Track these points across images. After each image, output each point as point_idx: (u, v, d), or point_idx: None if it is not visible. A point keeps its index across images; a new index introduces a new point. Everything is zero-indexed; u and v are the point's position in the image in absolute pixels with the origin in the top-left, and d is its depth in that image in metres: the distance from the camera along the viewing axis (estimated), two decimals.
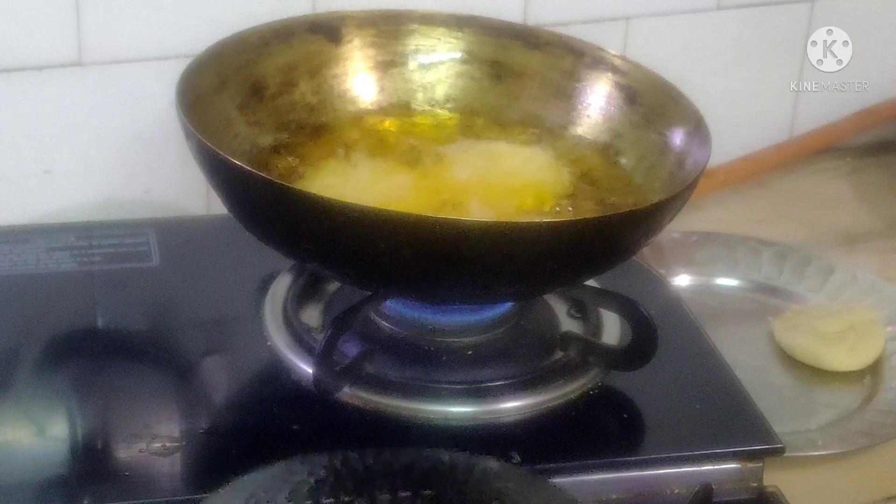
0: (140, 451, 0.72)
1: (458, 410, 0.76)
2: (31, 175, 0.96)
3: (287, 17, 0.89)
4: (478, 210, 0.79)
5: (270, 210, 0.73)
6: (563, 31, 0.92)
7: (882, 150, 1.19)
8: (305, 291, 0.84)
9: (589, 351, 0.79)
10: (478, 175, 0.82)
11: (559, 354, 0.80)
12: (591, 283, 0.82)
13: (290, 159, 0.86)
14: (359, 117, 0.90)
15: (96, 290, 0.85)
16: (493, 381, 0.77)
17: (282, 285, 0.84)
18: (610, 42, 0.93)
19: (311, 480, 0.65)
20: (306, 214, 0.71)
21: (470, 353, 0.80)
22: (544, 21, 1.02)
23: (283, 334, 0.80)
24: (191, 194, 0.99)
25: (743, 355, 0.87)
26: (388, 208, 0.71)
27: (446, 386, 0.77)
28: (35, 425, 0.74)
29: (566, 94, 0.89)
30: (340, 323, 0.75)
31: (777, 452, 0.76)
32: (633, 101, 0.87)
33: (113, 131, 0.97)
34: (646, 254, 0.89)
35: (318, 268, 0.78)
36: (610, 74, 0.88)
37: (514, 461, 0.73)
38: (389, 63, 0.91)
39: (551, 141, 0.88)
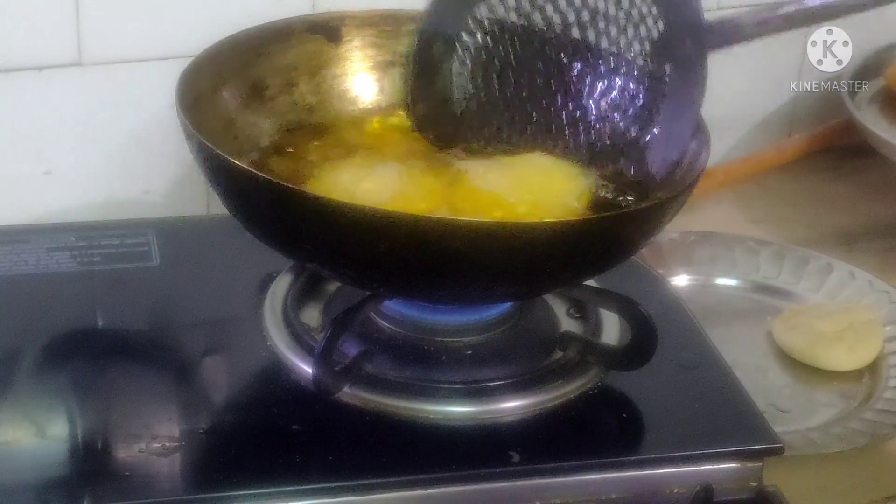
0: (140, 451, 0.72)
1: (458, 410, 0.76)
2: (31, 175, 0.96)
3: (287, 17, 0.89)
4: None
5: (270, 211, 0.73)
6: None
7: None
8: (305, 291, 0.84)
9: (588, 351, 0.79)
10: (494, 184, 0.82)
11: (559, 354, 0.80)
12: (590, 283, 0.83)
13: (289, 160, 0.86)
14: (359, 117, 0.90)
15: (96, 290, 0.85)
16: (492, 380, 0.77)
17: (282, 285, 0.84)
18: None
19: None
20: (306, 214, 0.71)
21: (469, 352, 0.80)
22: None
23: (283, 334, 0.80)
24: (191, 194, 0.99)
25: (742, 355, 0.87)
26: (389, 208, 0.71)
27: (446, 386, 0.77)
28: (35, 425, 0.74)
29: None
30: (340, 323, 0.75)
31: (776, 452, 0.76)
32: None
33: (113, 131, 0.97)
34: (644, 254, 0.89)
35: (318, 268, 0.79)
36: None
37: (514, 461, 0.73)
38: (389, 63, 0.91)
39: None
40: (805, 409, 0.88)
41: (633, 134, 0.79)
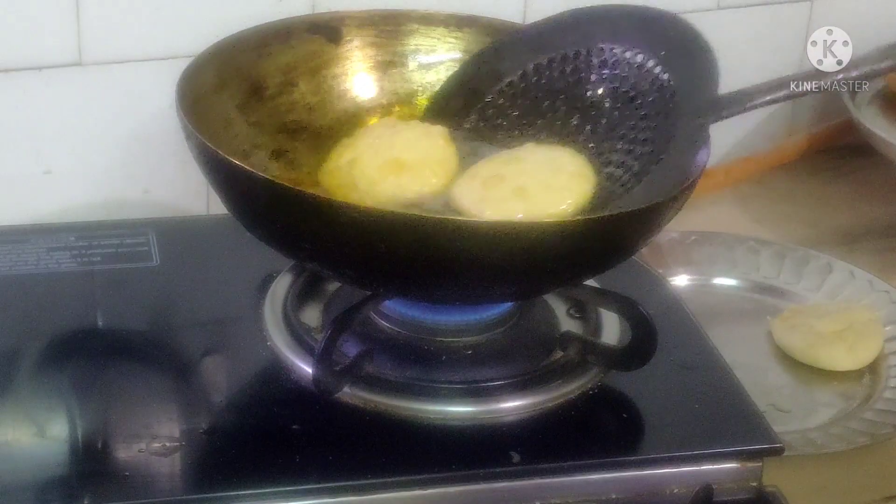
0: (140, 451, 0.72)
1: (458, 410, 0.76)
2: (31, 175, 0.96)
3: (287, 17, 0.89)
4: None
5: (270, 210, 0.73)
6: None
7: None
8: (305, 291, 0.84)
9: (588, 351, 0.79)
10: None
11: (559, 354, 0.80)
12: (590, 283, 0.83)
13: (289, 159, 0.86)
14: (359, 117, 0.90)
15: (96, 290, 0.85)
16: (492, 380, 0.77)
17: (282, 285, 0.84)
18: None
19: None
20: (306, 214, 0.71)
21: (469, 352, 0.80)
22: None
23: (283, 334, 0.80)
24: (191, 194, 0.99)
25: (742, 355, 0.87)
26: (388, 208, 0.71)
27: (446, 386, 0.77)
28: (35, 425, 0.74)
29: None
30: (340, 323, 0.75)
31: (776, 452, 0.76)
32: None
33: (113, 131, 0.97)
34: (644, 254, 0.89)
35: (318, 268, 0.79)
36: None
37: (514, 461, 0.73)
38: (389, 63, 0.91)
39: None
40: (805, 409, 0.88)
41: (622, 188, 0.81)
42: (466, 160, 0.84)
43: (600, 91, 0.84)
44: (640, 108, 0.82)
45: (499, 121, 0.87)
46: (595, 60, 0.84)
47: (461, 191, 0.81)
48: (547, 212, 0.78)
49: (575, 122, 0.84)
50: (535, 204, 0.78)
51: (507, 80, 0.87)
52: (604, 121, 0.84)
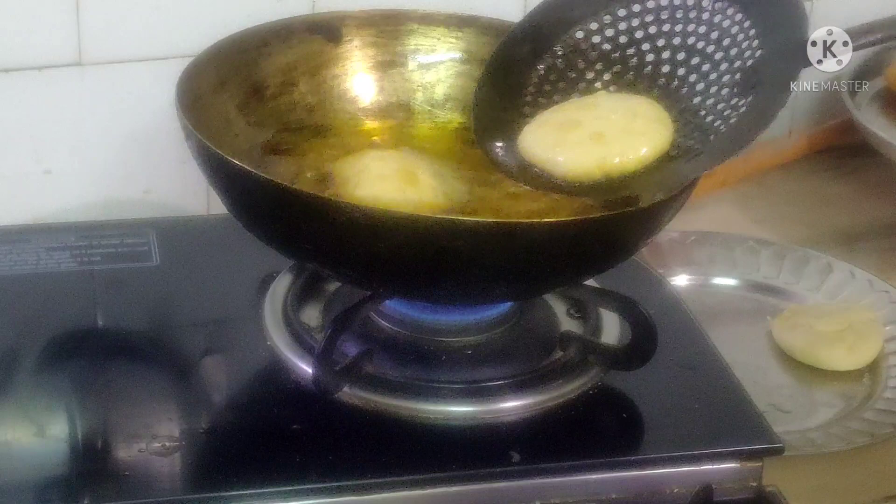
0: (140, 451, 0.72)
1: (458, 410, 0.76)
2: (31, 175, 0.96)
3: (287, 17, 0.89)
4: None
5: (270, 210, 0.73)
6: None
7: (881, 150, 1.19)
8: (305, 291, 0.84)
9: (588, 350, 0.79)
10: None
11: (559, 354, 0.80)
12: (590, 283, 0.83)
13: (289, 159, 0.86)
14: (359, 117, 0.90)
15: (96, 290, 0.85)
16: (492, 380, 0.77)
17: (282, 285, 0.84)
18: None
19: None
20: (306, 214, 0.71)
21: (469, 352, 0.80)
22: None
23: (283, 334, 0.80)
24: (191, 194, 0.99)
25: (742, 355, 0.87)
26: (388, 208, 0.71)
27: (446, 385, 0.77)
28: (35, 425, 0.74)
29: None
30: (340, 323, 0.75)
31: (776, 452, 0.76)
32: None
33: (113, 131, 0.97)
34: (644, 254, 0.90)
35: (318, 268, 0.79)
36: None
37: (514, 461, 0.73)
38: (389, 63, 0.91)
39: None
40: (805, 409, 0.88)
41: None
42: (532, 112, 0.83)
43: (676, 41, 0.81)
44: (720, 57, 0.79)
45: (567, 71, 0.84)
46: (672, 9, 0.82)
47: (531, 138, 0.79)
48: (625, 156, 0.76)
49: (648, 73, 0.82)
50: (613, 148, 0.77)
51: (578, 28, 0.84)
52: (681, 71, 0.81)
